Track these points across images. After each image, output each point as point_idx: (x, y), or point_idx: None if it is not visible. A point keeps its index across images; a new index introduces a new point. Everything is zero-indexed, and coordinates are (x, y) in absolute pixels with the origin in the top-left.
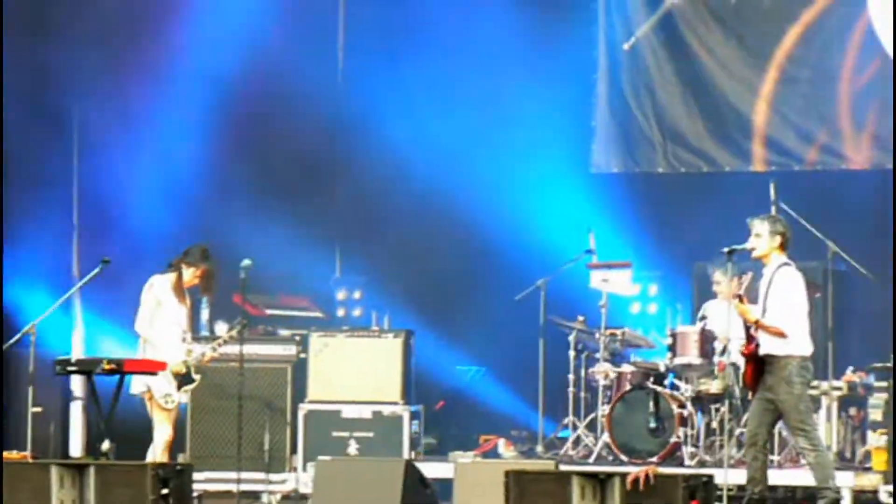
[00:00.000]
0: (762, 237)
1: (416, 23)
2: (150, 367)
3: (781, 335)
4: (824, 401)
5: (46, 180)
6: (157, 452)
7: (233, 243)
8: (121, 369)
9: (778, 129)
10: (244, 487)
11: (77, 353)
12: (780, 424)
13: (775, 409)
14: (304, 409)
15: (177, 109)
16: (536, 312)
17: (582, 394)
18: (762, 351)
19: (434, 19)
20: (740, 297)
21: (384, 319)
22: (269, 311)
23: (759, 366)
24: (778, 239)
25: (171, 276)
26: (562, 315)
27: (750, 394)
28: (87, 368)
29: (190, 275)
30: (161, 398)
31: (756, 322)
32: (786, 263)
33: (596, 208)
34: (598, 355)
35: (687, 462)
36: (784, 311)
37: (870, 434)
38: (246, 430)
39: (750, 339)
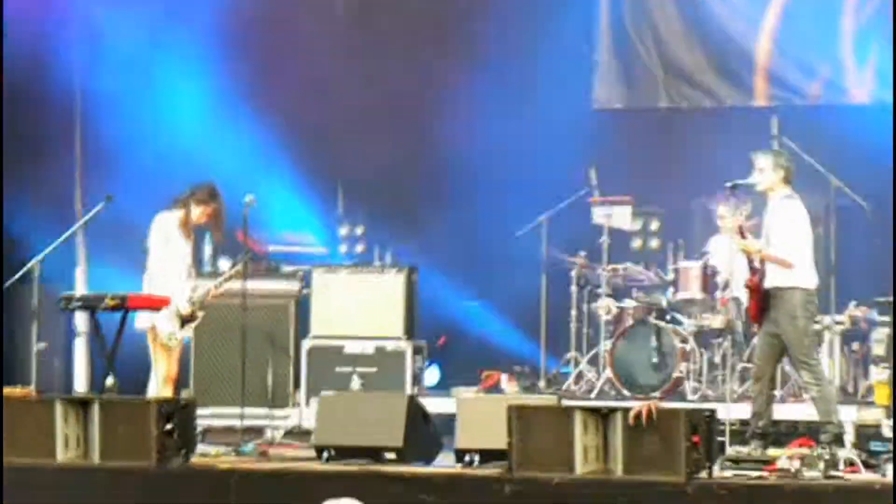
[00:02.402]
0: (765, 171)
1: None
2: (154, 304)
3: (786, 265)
4: (827, 335)
5: (49, 114)
6: (158, 388)
7: (235, 179)
8: (124, 305)
9: (780, 63)
10: (247, 423)
11: (80, 289)
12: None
13: (780, 343)
14: (307, 344)
15: (182, 44)
16: (538, 248)
17: (584, 329)
18: (767, 283)
19: None
20: (741, 230)
21: (387, 255)
22: (271, 247)
23: (763, 300)
24: (781, 172)
25: (178, 213)
26: (564, 251)
27: (754, 328)
28: (90, 304)
29: (198, 213)
30: (165, 336)
31: (759, 252)
32: (789, 196)
33: (598, 144)
34: (600, 291)
35: (689, 397)
36: (788, 242)
37: (872, 368)
38: (249, 367)
39: (754, 271)
